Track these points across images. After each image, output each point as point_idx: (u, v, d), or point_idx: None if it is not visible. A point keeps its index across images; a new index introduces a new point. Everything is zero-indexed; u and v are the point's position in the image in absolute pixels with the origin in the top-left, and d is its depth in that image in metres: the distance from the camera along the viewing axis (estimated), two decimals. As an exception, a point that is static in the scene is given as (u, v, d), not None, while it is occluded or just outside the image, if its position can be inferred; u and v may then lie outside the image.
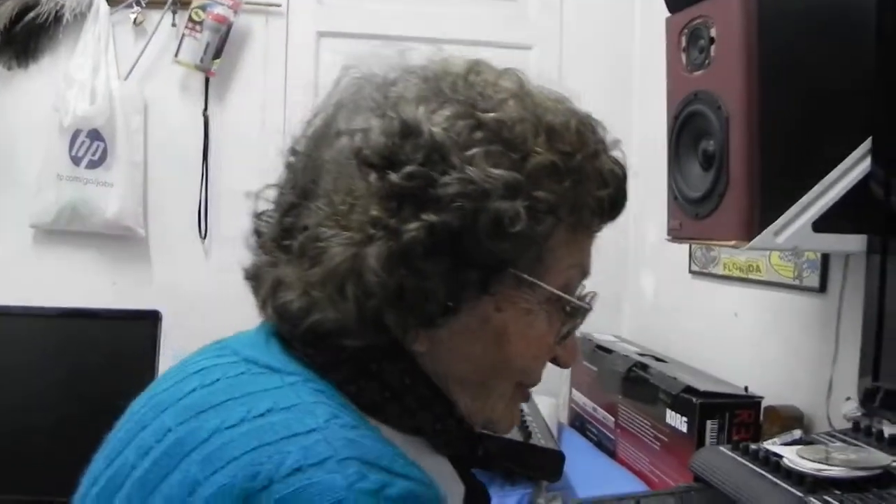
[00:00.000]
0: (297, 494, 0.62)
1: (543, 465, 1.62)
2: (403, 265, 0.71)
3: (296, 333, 0.76)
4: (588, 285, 0.86)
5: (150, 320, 1.74)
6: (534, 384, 0.85)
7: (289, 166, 0.83)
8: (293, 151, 0.83)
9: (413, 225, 0.71)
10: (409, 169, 0.72)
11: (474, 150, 0.72)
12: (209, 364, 0.79)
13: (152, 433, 0.73)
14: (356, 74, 0.82)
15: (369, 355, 0.75)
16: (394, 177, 0.72)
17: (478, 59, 0.81)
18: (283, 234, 0.79)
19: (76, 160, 2.37)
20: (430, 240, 0.71)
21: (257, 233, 0.84)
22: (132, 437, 0.76)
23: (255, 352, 0.78)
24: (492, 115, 0.74)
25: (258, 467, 0.64)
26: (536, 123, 0.75)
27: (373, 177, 0.73)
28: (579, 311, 0.81)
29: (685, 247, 2.12)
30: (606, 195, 0.79)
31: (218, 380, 0.75)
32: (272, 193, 0.84)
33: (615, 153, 0.82)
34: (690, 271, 2.17)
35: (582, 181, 0.77)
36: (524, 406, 1.83)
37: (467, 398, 0.80)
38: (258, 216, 0.84)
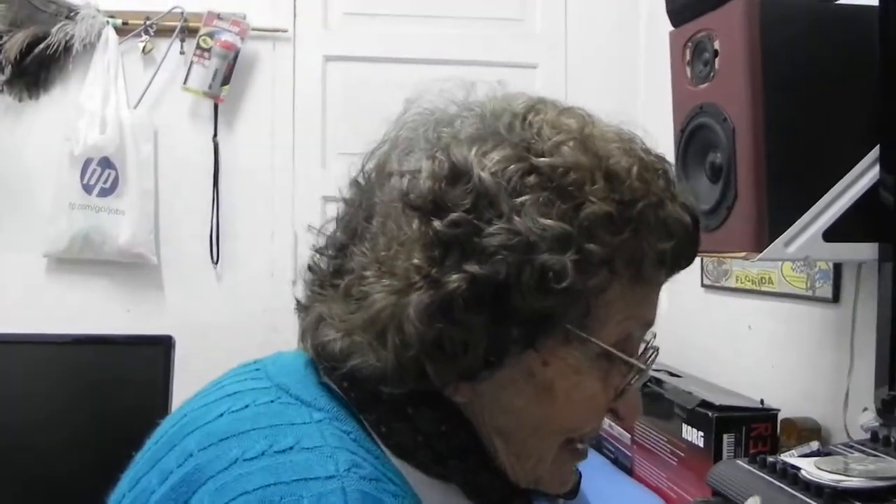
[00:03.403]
0: None
1: (559, 482, 1.60)
2: (443, 317, 0.68)
3: (335, 374, 0.74)
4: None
5: (163, 346, 1.75)
6: (585, 440, 0.80)
7: (347, 201, 0.80)
8: (354, 184, 0.80)
9: (455, 276, 0.67)
10: (454, 216, 0.68)
11: (524, 198, 0.68)
12: (242, 388, 0.77)
13: (175, 457, 0.72)
14: (417, 109, 0.78)
15: (407, 399, 0.72)
16: (437, 224, 0.68)
17: (542, 97, 0.77)
18: (334, 274, 0.77)
19: (88, 188, 2.39)
20: (472, 292, 0.67)
21: (311, 269, 0.81)
22: (159, 458, 0.74)
23: (290, 379, 0.76)
24: (546, 159, 0.70)
25: None
26: (594, 169, 0.70)
27: (416, 223, 0.70)
28: (635, 369, 0.76)
29: (697, 260, 2.11)
30: (669, 248, 0.73)
31: (247, 406, 0.74)
32: (331, 227, 0.81)
33: (687, 198, 0.77)
34: (703, 285, 2.16)
35: (642, 232, 0.71)
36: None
37: (509, 453, 0.76)
38: (318, 251, 0.81)
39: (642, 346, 0.78)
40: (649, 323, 0.78)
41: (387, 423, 0.73)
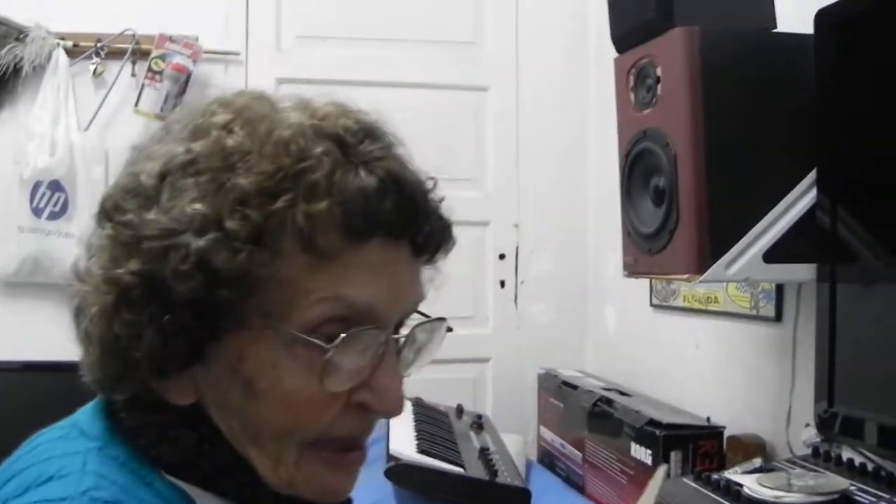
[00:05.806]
0: None
1: (508, 502, 1.62)
2: (115, 316, 0.69)
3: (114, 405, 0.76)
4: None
5: (113, 371, 1.73)
6: (343, 440, 0.74)
7: None
8: None
9: (121, 273, 0.68)
10: (122, 218, 0.70)
11: (178, 188, 0.69)
12: (49, 428, 0.78)
13: None
14: None
15: (169, 421, 0.73)
16: (110, 229, 0.71)
17: (262, 93, 0.75)
18: None
19: (37, 212, 2.36)
20: (137, 287, 0.68)
21: None
22: None
23: (85, 414, 0.77)
24: (201, 144, 0.70)
25: None
26: (248, 146, 0.69)
27: (99, 231, 0.73)
28: (322, 350, 0.69)
29: (646, 280, 2.15)
30: (326, 208, 0.68)
31: (39, 444, 0.75)
32: None
33: (387, 164, 0.72)
34: (651, 304, 2.20)
35: (299, 200, 0.67)
36: (490, 444, 1.83)
37: (250, 457, 0.74)
38: None
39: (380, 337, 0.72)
40: (357, 305, 0.70)
41: (155, 447, 0.73)
